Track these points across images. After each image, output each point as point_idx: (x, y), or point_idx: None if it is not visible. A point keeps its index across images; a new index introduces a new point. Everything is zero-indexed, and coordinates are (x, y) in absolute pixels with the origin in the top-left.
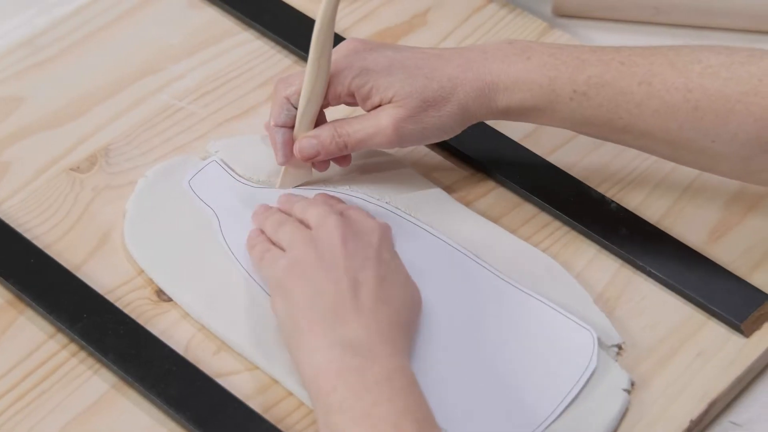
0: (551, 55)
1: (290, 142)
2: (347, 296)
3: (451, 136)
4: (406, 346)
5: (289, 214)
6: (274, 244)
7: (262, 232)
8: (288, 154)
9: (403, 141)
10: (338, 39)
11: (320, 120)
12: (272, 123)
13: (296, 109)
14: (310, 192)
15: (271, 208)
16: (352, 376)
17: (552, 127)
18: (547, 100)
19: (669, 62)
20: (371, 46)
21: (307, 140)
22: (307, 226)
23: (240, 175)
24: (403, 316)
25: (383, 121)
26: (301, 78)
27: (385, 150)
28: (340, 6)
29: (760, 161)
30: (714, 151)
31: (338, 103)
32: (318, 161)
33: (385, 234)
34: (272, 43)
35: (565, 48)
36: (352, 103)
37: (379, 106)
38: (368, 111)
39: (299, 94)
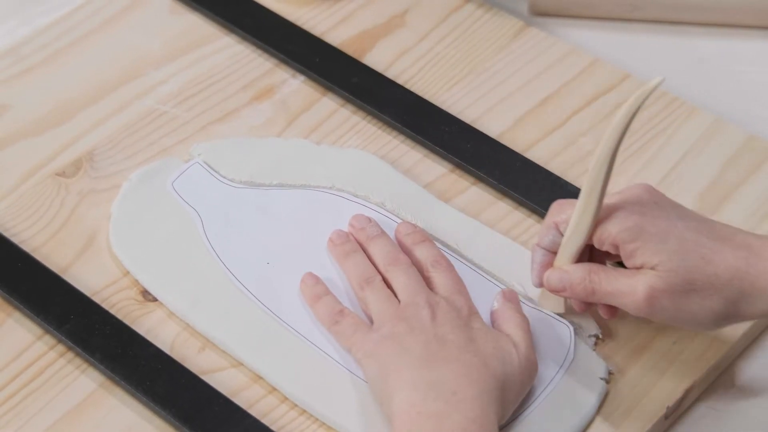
0: None
1: (547, 266)
2: (435, 348)
3: (704, 331)
4: (495, 394)
5: (362, 242)
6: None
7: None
8: (541, 278)
9: (653, 314)
10: (318, 42)
11: (598, 259)
12: (537, 242)
13: (562, 236)
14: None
15: (348, 239)
16: (428, 424)
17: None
18: None
19: None
20: (657, 200)
21: (558, 273)
22: (389, 283)
23: (223, 176)
24: (494, 368)
25: (639, 286)
26: (574, 208)
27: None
28: (318, 9)
29: None
30: None
31: (602, 248)
32: (573, 299)
33: (474, 310)
34: (253, 47)
35: None
36: (615, 254)
37: (641, 268)
38: (629, 268)
39: (568, 223)
